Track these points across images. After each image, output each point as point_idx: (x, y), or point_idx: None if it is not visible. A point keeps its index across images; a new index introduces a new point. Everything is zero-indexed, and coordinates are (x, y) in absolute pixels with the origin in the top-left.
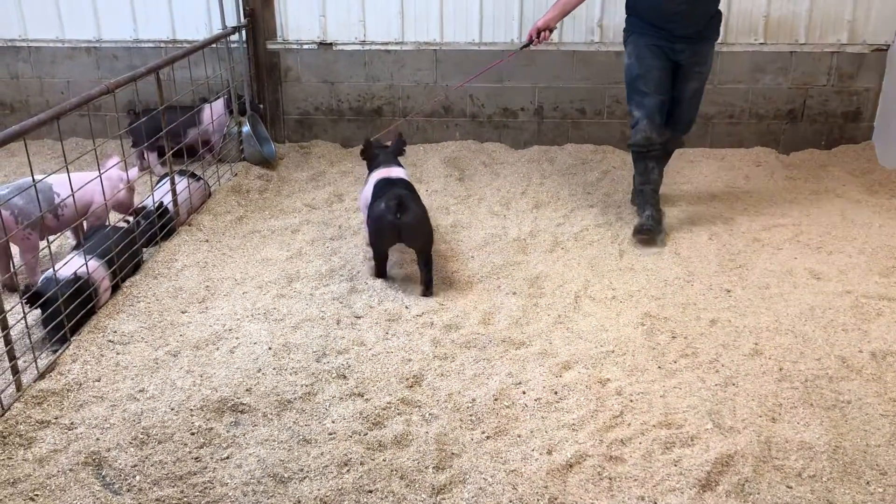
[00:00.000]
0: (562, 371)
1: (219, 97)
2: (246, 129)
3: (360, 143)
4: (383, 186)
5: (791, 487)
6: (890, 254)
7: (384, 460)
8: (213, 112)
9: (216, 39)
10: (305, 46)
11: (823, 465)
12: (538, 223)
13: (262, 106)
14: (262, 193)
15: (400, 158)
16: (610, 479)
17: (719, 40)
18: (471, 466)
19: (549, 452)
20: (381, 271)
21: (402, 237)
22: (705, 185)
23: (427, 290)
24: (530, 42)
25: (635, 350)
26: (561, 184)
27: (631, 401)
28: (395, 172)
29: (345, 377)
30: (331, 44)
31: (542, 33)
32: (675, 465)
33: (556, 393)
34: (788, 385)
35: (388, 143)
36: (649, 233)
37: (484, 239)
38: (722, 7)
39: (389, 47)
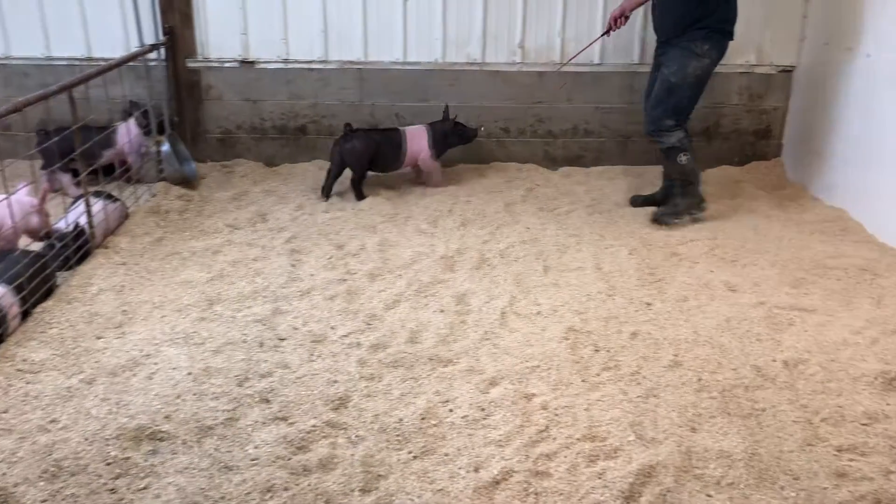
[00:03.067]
0: (488, 387)
1: (131, 116)
2: (165, 147)
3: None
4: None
5: (711, 496)
6: (799, 266)
7: (309, 485)
8: (129, 131)
9: (133, 57)
10: (227, 64)
11: (741, 472)
12: (465, 241)
13: (176, 119)
14: (182, 214)
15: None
16: (536, 494)
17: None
18: (397, 488)
19: (476, 470)
20: (325, 189)
21: (344, 159)
22: (623, 201)
23: (358, 196)
24: (609, 30)
25: (560, 364)
26: (487, 202)
27: (556, 415)
28: (408, 129)
29: (268, 401)
30: (253, 62)
31: (619, 20)
32: (600, 478)
33: (482, 410)
34: (707, 395)
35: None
36: (634, 202)
37: (411, 257)
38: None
39: (313, 66)
